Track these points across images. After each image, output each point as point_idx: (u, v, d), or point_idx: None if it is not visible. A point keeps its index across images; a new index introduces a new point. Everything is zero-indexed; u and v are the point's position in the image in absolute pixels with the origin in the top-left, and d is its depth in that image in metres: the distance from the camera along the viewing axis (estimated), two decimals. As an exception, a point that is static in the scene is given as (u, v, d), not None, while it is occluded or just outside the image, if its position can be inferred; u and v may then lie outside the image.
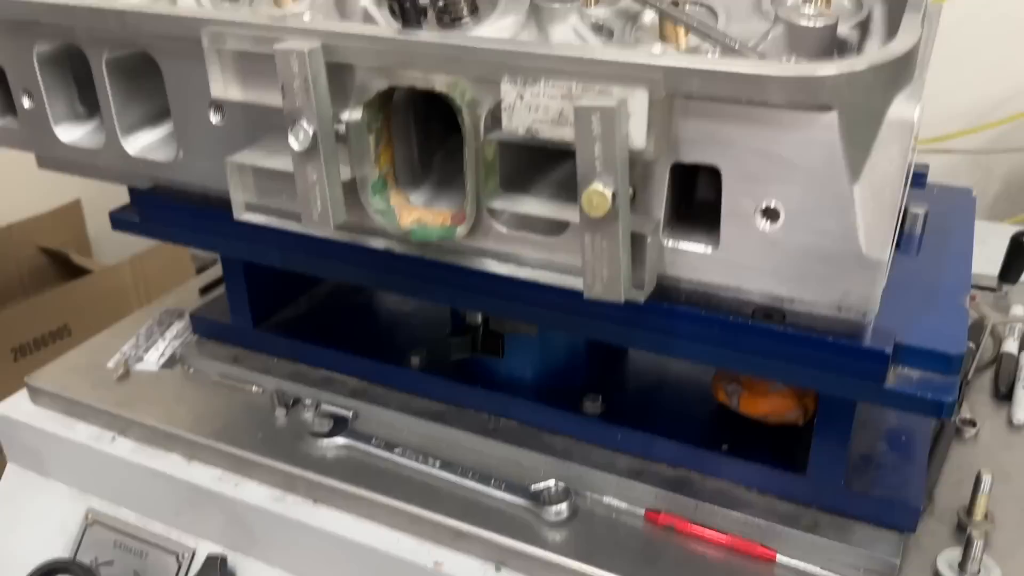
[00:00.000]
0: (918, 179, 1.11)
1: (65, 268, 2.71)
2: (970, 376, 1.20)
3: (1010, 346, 1.25)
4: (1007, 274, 1.41)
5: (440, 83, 0.79)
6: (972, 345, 1.23)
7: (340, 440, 1.07)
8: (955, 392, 0.76)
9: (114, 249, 2.84)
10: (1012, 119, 2.35)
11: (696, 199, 0.86)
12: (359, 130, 0.85)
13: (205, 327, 1.27)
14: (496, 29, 0.90)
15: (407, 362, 1.14)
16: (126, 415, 1.16)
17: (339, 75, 0.82)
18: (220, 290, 1.40)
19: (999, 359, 1.23)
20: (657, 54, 0.72)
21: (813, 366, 0.78)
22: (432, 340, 1.15)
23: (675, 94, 0.71)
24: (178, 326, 1.34)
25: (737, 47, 0.79)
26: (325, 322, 1.26)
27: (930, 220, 1.00)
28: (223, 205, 0.96)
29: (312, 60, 0.79)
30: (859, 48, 0.83)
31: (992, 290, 1.43)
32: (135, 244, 2.44)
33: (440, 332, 1.15)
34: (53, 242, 2.72)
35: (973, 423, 1.10)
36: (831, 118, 0.67)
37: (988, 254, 1.42)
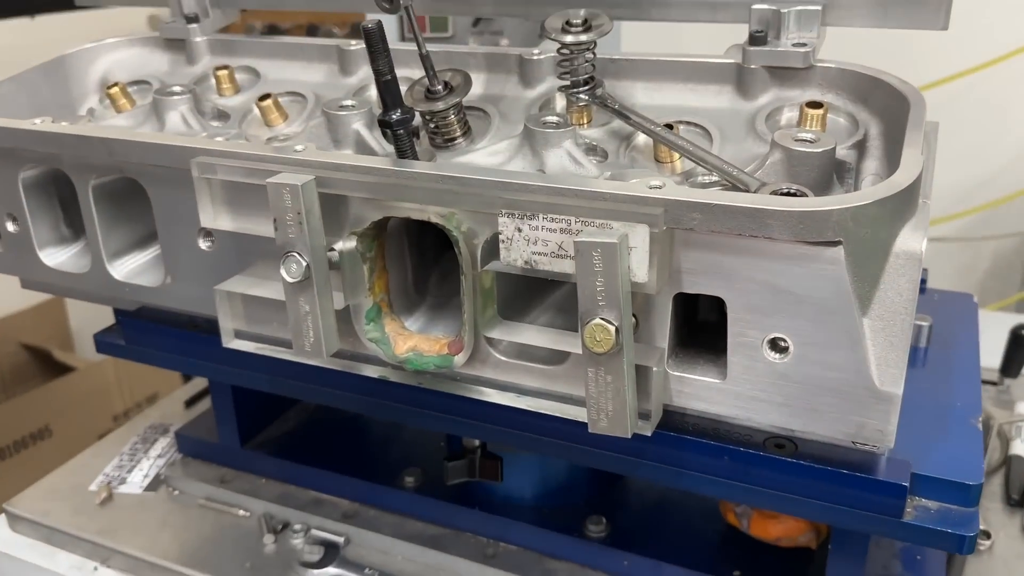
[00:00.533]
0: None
1: (47, 364, 2.66)
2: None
3: (1018, 448, 1.23)
4: (1009, 368, 1.39)
5: (436, 215, 0.78)
6: (979, 448, 1.21)
7: (332, 571, 1.03)
8: (976, 525, 0.74)
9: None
10: (1000, 202, 2.38)
11: (700, 319, 0.84)
12: (353, 259, 0.83)
13: (190, 446, 1.23)
14: (490, 153, 0.89)
15: (401, 482, 1.10)
16: (109, 544, 1.10)
17: (333, 206, 0.81)
18: (206, 403, 1.36)
19: (1008, 462, 1.20)
20: (657, 186, 0.71)
21: (827, 500, 0.75)
22: (426, 458, 1.12)
23: (676, 227, 0.70)
24: (163, 443, 1.29)
25: (736, 172, 0.78)
26: (314, 439, 1.22)
27: (934, 330, 0.98)
28: (211, 329, 0.94)
29: (305, 193, 0.77)
30: (857, 169, 0.83)
31: (994, 384, 1.41)
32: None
33: (434, 448, 1.11)
34: (35, 338, 2.68)
35: (987, 534, 1.07)
36: (837, 252, 0.66)
37: (987, 344, 1.41)
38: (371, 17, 1.51)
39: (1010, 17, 2.25)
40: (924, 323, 0.96)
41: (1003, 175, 2.42)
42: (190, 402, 1.40)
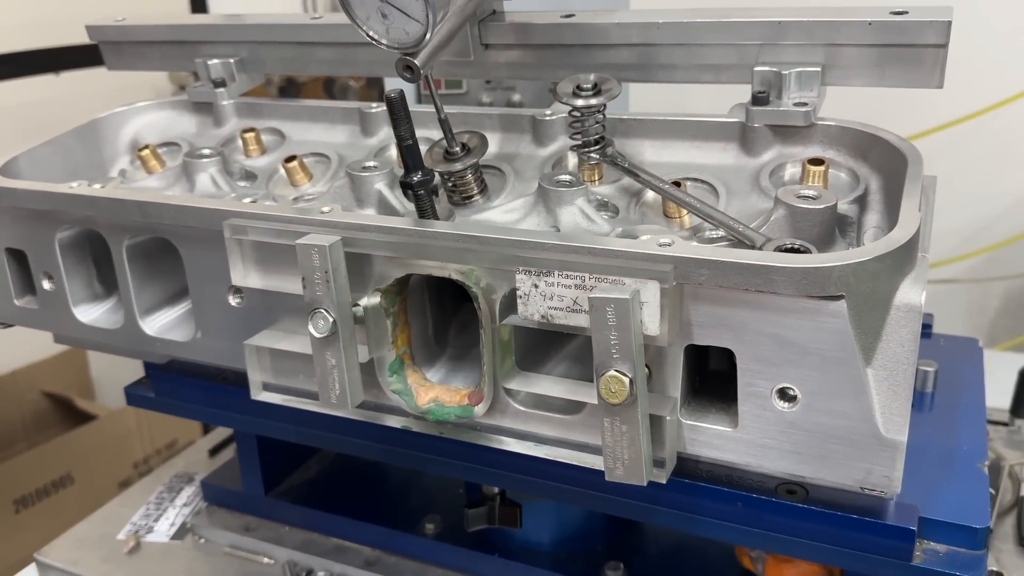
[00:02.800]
0: (924, 328, 1.13)
1: (69, 412, 2.70)
2: (992, 523, 1.18)
3: (1029, 489, 1.24)
4: (1019, 408, 1.40)
5: (456, 272, 0.82)
6: (991, 490, 1.22)
7: (356, 616, 1.05)
8: (984, 568, 0.76)
9: (117, 388, 2.84)
10: (1008, 242, 2.40)
11: (710, 368, 0.87)
12: (377, 315, 0.86)
13: (216, 495, 1.26)
14: (506, 211, 0.94)
15: (421, 529, 1.12)
16: (136, 593, 1.13)
17: (358, 264, 0.85)
18: (230, 451, 1.39)
19: (1020, 504, 1.22)
20: (666, 243, 0.74)
21: (838, 544, 0.78)
22: (446, 505, 1.14)
23: (686, 282, 0.73)
24: (188, 492, 1.32)
25: (741, 228, 0.82)
26: (336, 487, 1.24)
27: (940, 375, 1.01)
28: (238, 381, 0.97)
29: (332, 253, 0.81)
30: (859, 222, 0.86)
31: (1004, 424, 1.42)
32: (139, 386, 2.46)
33: (454, 494, 1.14)
34: (56, 386, 2.72)
35: (1001, 576, 1.08)
36: (840, 306, 0.69)
37: (996, 385, 1.42)
38: (389, 83, 1.57)
39: (1018, 59, 2.29)
40: (930, 368, 0.99)
41: (1010, 215, 2.45)
42: (214, 451, 1.43)
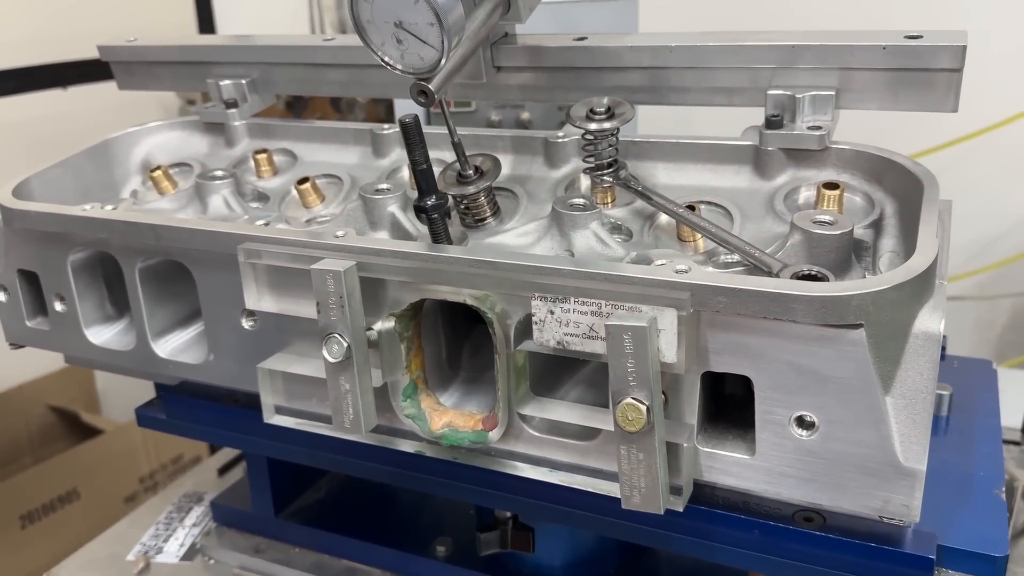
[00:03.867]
0: (936, 351, 1.13)
1: (74, 426, 2.70)
2: (1007, 546, 1.17)
3: (1043, 511, 1.23)
4: (1031, 428, 1.40)
5: (471, 297, 0.81)
6: (1005, 512, 1.21)
7: (367, 643, 1.04)
8: (1004, 597, 0.75)
9: (123, 403, 2.84)
10: (1015, 259, 2.40)
11: (727, 393, 0.87)
12: (391, 339, 0.86)
13: (225, 515, 1.25)
14: (520, 234, 0.94)
15: (432, 551, 1.12)
16: (146, 615, 1.13)
17: (372, 289, 0.85)
18: (239, 470, 1.39)
19: (1033, 525, 1.21)
20: (683, 270, 0.74)
21: (856, 572, 0.77)
22: (457, 527, 1.14)
23: (703, 309, 0.73)
24: (197, 512, 1.32)
25: (757, 254, 0.81)
26: (346, 508, 1.24)
27: (955, 398, 1.00)
28: (250, 404, 0.97)
29: (347, 278, 0.81)
30: (875, 247, 0.86)
31: (1017, 444, 1.42)
32: (143, 399, 2.46)
33: (465, 516, 1.13)
34: (62, 400, 2.72)
35: (1017, 600, 1.07)
36: (859, 334, 0.69)
37: (1006, 403, 1.41)
38: (399, 104, 1.56)
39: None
40: (944, 392, 0.98)
41: (1017, 231, 2.44)
42: (223, 470, 1.43)
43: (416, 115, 0.86)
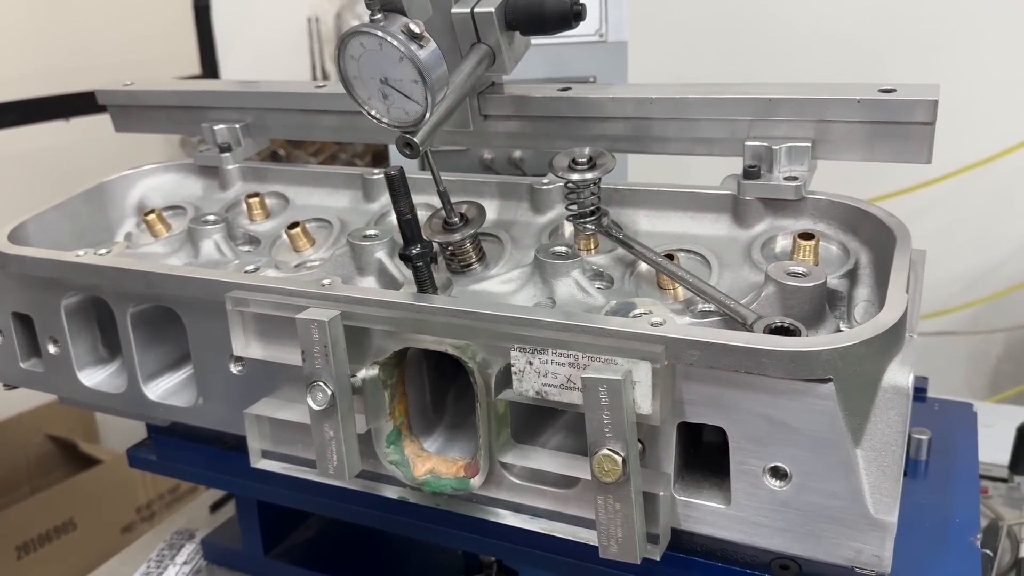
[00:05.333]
0: (918, 393, 1.14)
1: (72, 456, 2.71)
2: (991, 586, 1.18)
3: (1029, 551, 1.24)
4: (1018, 465, 1.40)
5: (453, 347, 0.83)
6: (989, 552, 1.22)
7: None
8: (977, 646, 0.76)
9: (121, 433, 2.85)
10: (1011, 290, 2.41)
11: (704, 439, 0.88)
12: (375, 387, 0.88)
13: (216, 553, 1.26)
14: (503, 281, 0.95)
15: (420, 592, 1.12)
16: (134, 655, 1.13)
17: (356, 337, 0.86)
18: (231, 507, 1.40)
19: (1019, 565, 1.21)
20: (658, 323, 0.76)
21: (831, 621, 0.78)
22: (444, 568, 1.14)
23: (677, 362, 0.74)
24: (188, 549, 1.33)
25: (732, 305, 0.83)
26: (334, 548, 1.25)
27: (934, 442, 1.01)
28: (238, 446, 0.99)
29: (332, 328, 0.83)
30: (850, 296, 0.88)
31: (1004, 480, 1.42)
32: (142, 430, 2.47)
33: (452, 558, 1.14)
34: (60, 429, 2.74)
35: (1001, 644, 1.07)
36: (828, 388, 0.70)
37: (995, 439, 1.42)
38: (393, 150, 1.58)
39: (1019, 109, 2.32)
40: (923, 436, 0.99)
41: (1012, 262, 2.46)
42: (215, 506, 1.44)
43: (401, 167, 0.88)
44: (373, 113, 0.89)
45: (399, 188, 0.88)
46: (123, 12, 2.81)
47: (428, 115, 0.88)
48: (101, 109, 1.37)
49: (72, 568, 2.37)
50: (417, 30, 0.84)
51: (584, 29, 1.46)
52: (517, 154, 1.64)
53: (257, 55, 3.11)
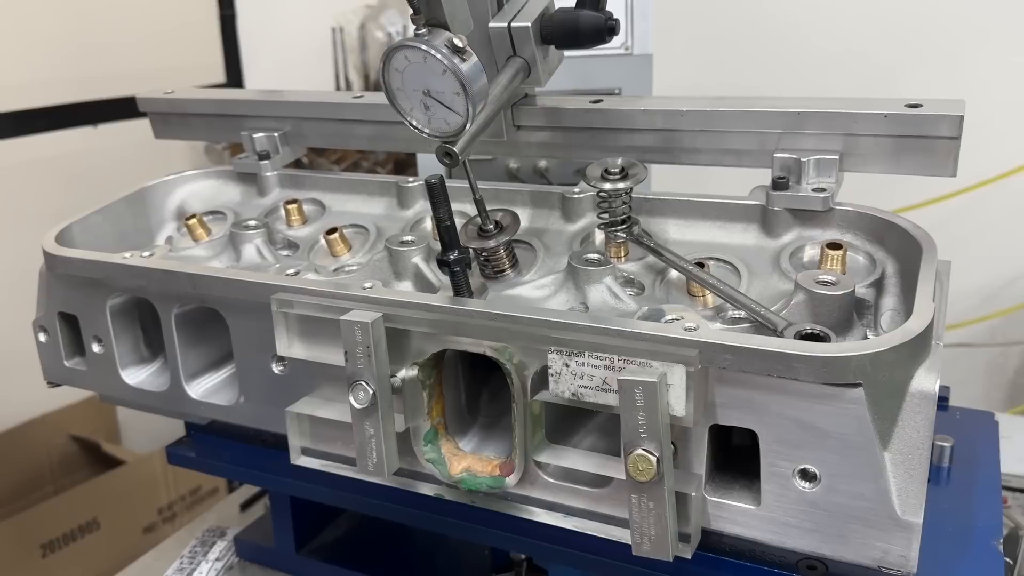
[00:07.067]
0: (940, 401, 1.16)
1: (96, 456, 2.75)
2: (1010, 594, 1.20)
3: (1048, 560, 1.25)
4: (1037, 476, 1.42)
5: (490, 349, 0.86)
6: (1009, 560, 1.23)
7: None
8: (1000, 647, 0.78)
9: (144, 434, 2.89)
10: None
11: (733, 443, 0.90)
12: (414, 387, 0.91)
13: (248, 550, 1.29)
14: (537, 287, 0.98)
15: (449, 590, 1.15)
16: (170, 649, 1.16)
17: (397, 339, 0.89)
18: (260, 506, 1.43)
19: (1038, 574, 1.23)
20: (692, 327, 0.79)
21: (857, 621, 0.80)
22: (473, 566, 1.17)
23: (710, 366, 0.77)
24: (220, 546, 1.36)
25: (763, 312, 0.86)
26: (365, 545, 1.28)
27: (956, 450, 1.03)
28: (276, 444, 1.02)
29: (374, 329, 0.86)
30: (876, 305, 0.90)
31: (1023, 491, 1.44)
32: (164, 431, 2.51)
33: (480, 556, 1.16)
34: (84, 430, 2.78)
35: (1021, 650, 1.09)
36: (858, 393, 0.73)
37: (1014, 451, 1.44)
38: (422, 158, 1.61)
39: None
40: (946, 444, 1.02)
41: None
42: (246, 505, 1.47)
43: (441, 175, 0.91)
44: (415, 123, 0.93)
45: (439, 196, 0.91)
46: (150, 21, 2.86)
47: (468, 125, 0.91)
48: (128, 115, 1.40)
49: (96, 567, 2.40)
50: (460, 44, 0.87)
51: (611, 42, 1.49)
52: (542, 164, 1.67)
53: (281, 64, 3.16)
